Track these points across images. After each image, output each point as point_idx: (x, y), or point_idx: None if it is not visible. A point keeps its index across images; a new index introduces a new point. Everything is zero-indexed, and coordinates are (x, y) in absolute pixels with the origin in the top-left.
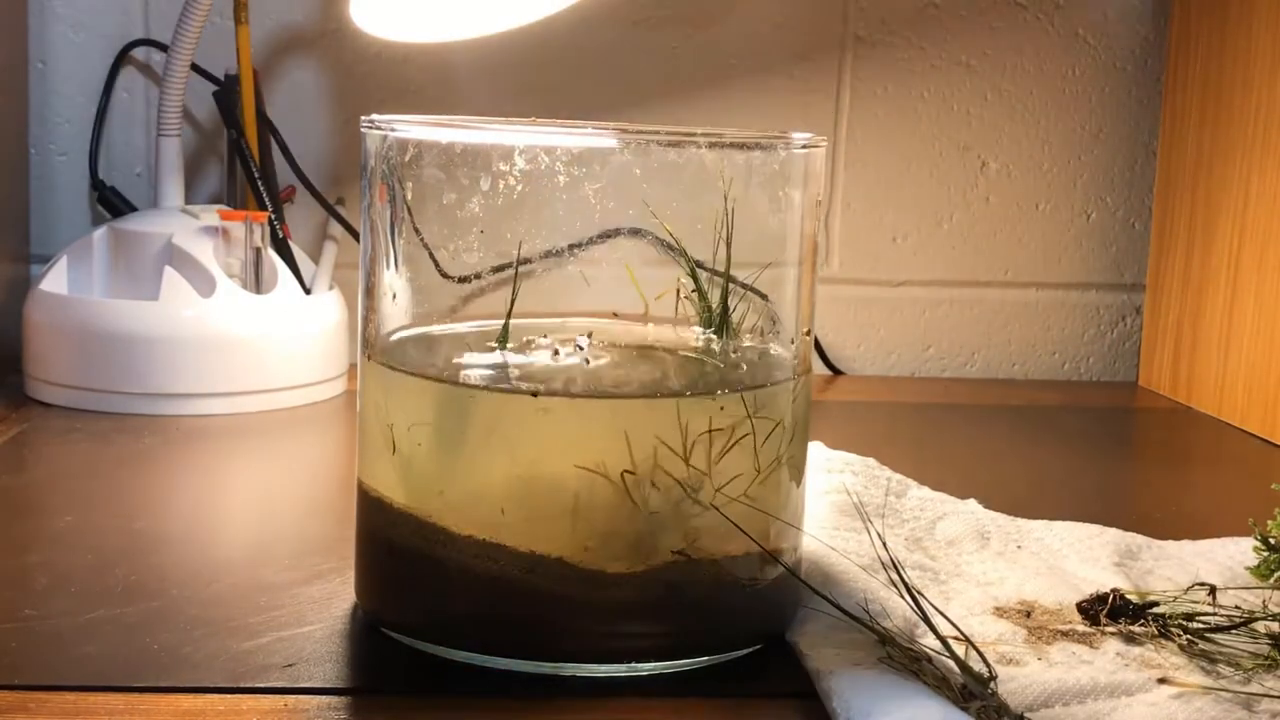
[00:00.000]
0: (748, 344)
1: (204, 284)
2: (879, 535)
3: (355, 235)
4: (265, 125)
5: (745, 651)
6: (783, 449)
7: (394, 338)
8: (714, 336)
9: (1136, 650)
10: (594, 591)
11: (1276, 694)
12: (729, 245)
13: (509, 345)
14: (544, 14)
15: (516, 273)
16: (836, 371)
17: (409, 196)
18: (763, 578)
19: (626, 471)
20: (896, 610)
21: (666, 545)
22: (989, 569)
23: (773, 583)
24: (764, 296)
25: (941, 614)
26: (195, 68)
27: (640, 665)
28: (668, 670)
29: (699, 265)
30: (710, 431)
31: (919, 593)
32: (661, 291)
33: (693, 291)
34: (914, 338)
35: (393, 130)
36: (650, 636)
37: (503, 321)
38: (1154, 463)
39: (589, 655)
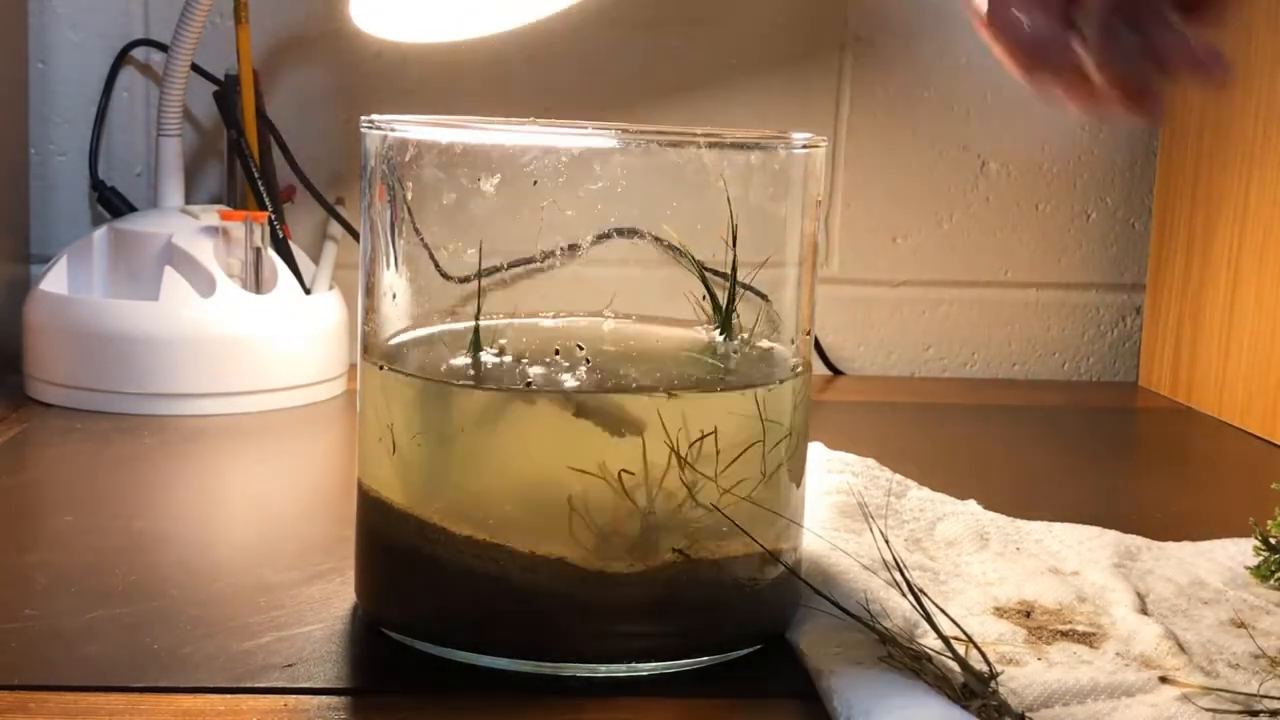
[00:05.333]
0: (752, 343)
1: (204, 284)
2: (881, 532)
3: (355, 235)
4: (265, 125)
5: (745, 651)
6: (783, 448)
7: (394, 338)
8: (717, 336)
9: (1137, 650)
10: (594, 591)
11: (1277, 694)
12: (734, 245)
13: (509, 346)
14: (544, 14)
15: (502, 274)
16: (836, 371)
17: (409, 196)
18: (763, 578)
19: (625, 471)
20: (896, 610)
21: (666, 545)
22: (989, 569)
23: (773, 583)
24: (764, 297)
25: (943, 612)
26: (195, 68)
27: (640, 665)
28: (668, 670)
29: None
30: (711, 432)
31: (921, 591)
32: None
33: (703, 298)
34: (914, 338)
35: (393, 130)
36: (650, 636)
37: (503, 321)
38: (1154, 463)
39: (589, 655)
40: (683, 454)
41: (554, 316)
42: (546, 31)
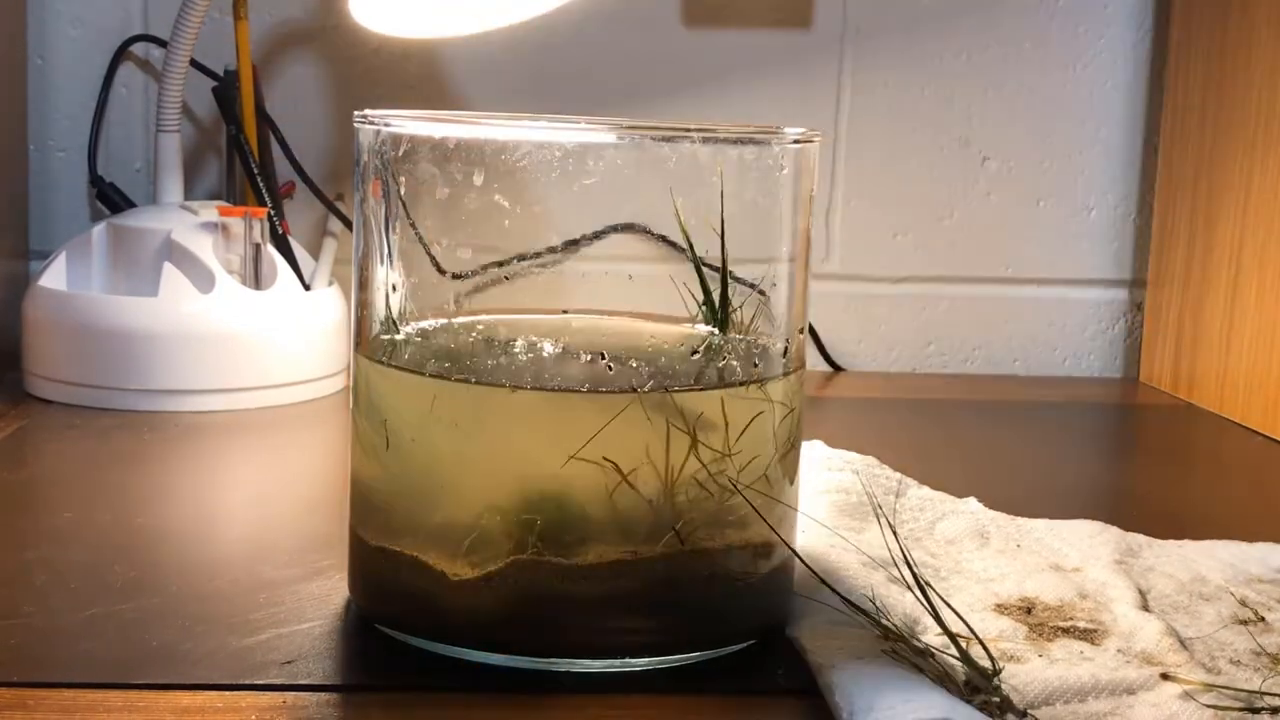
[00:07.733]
0: (745, 339)
1: (203, 280)
2: (889, 523)
3: None
4: (264, 121)
5: (741, 646)
6: (778, 445)
7: (387, 334)
8: (713, 332)
9: (1138, 647)
10: (588, 586)
11: (1278, 691)
12: (723, 240)
13: (508, 341)
14: (543, 11)
15: (479, 272)
16: (837, 368)
17: (403, 191)
18: (757, 572)
19: (618, 466)
20: (897, 607)
21: (661, 539)
22: (989, 566)
23: (768, 577)
24: (761, 292)
25: (949, 605)
26: (194, 63)
27: (634, 660)
28: (662, 665)
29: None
30: (703, 429)
31: (926, 583)
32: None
33: (703, 301)
34: (915, 334)
35: (386, 125)
36: (644, 631)
37: (497, 316)
38: (1155, 460)
39: (583, 650)
40: (681, 451)
41: (549, 312)
42: (545, 29)
